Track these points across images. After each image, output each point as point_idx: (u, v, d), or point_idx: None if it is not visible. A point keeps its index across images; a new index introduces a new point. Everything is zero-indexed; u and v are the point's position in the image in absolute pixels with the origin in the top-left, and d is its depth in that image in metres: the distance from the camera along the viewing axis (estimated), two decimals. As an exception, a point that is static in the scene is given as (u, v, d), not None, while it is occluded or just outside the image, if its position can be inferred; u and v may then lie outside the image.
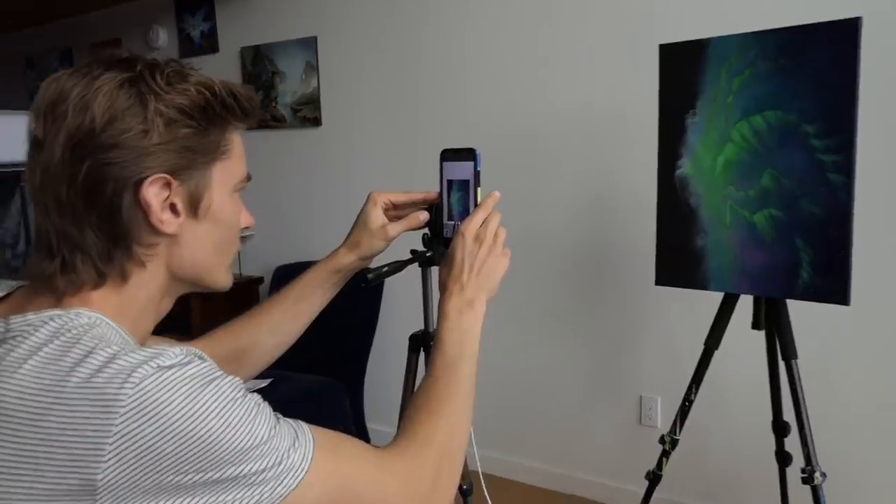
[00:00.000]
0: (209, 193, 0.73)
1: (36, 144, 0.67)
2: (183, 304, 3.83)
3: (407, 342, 1.38)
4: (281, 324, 1.06)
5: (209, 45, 3.71)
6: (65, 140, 0.66)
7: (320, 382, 2.95)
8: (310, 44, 3.33)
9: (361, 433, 3.07)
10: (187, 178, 0.71)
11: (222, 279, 0.80)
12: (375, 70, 3.19)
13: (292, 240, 3.59)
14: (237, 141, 0.76)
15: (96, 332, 0.65)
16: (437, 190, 1.06)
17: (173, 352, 0.62)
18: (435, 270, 1.04)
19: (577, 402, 2.85)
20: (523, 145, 2.82)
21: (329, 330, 3.05)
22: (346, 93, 3.29)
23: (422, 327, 1.36)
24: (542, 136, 2.78)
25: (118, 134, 0.66)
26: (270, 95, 3.50)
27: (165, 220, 0.70)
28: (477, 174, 1.01)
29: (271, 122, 3.52)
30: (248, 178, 0.80)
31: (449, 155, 1.04)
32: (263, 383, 2.86)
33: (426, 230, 1.08)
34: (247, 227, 0.83)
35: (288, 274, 3.39)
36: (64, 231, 0.68)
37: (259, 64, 3.52)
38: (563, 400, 2.88)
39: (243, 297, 3.61)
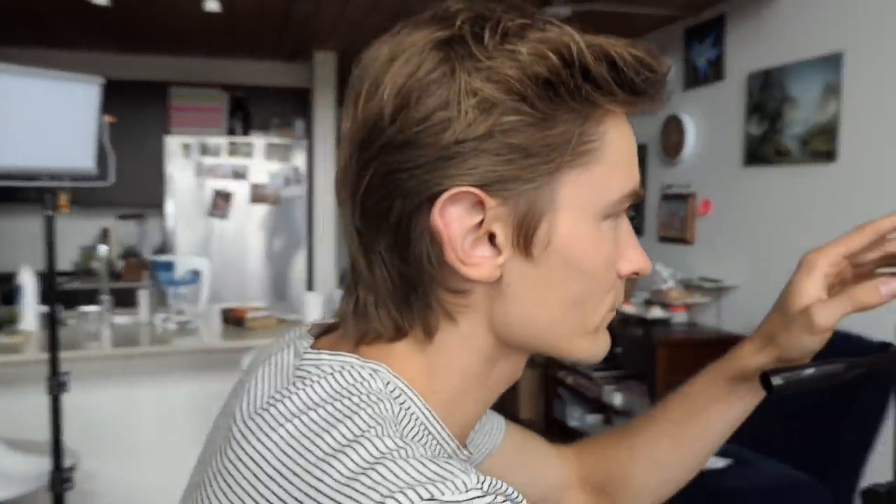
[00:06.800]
0: (551, 219, 0.46)
1: (339, 139, 0.51)
2: (644, 349, 3.55)
3: None
4: (660, 453, 0.72)
5: (714, 72, 3.44)
6: (350, 136, 0.47)
7: (793, 479, 2.37)
8: (833, 62, 2.75)
9: (846, 557, 2.36)
10: (513, 195, 0.45)
11: (578, 348, 0.51)
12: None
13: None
14: (614, 134, 0.47)
15: (381, 411, 0.44)
16: None
17: (468, 481, 0.38)
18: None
19: None
20: None
21: (814, 413, 2.40)
22: (874, 120, 2.61)
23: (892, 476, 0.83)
24: None
25: (410, 125, 0.44)
26: (776, 127, 3.03)
27: (474, 259, 0.46)
28: None
29: (775, 156, 3.04)
30: (637, 195, 0.49)
31: None
32: (721, 463, 2.42)
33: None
34: (636, 274, 0.52)
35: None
36: (355, 261, 0.50)
37: (767, 90, 3.08)
38: None
39: (717, 356, 3.18)
